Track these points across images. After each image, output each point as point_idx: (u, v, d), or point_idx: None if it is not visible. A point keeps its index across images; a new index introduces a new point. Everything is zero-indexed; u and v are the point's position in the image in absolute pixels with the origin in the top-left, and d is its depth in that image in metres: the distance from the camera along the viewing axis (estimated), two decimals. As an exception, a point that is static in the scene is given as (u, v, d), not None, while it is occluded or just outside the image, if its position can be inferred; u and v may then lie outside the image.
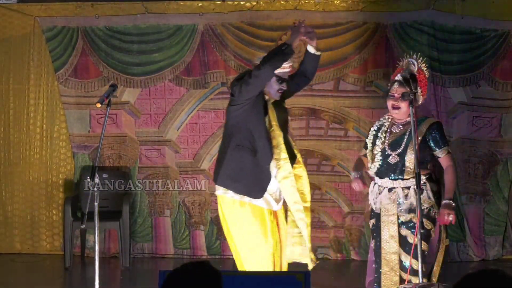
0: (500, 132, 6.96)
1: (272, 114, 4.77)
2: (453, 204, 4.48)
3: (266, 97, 4.81)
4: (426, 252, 4.53)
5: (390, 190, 4.55)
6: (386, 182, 4.57)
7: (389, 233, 4.53)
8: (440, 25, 6.91)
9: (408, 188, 4.52)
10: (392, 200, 4.54)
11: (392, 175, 4.54)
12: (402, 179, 4.51)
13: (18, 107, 7.30)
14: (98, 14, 7.12)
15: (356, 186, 4.65)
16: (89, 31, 7.13)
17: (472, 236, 6.96)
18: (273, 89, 4.78)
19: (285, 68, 4.80)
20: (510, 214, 6.98)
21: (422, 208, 4.42)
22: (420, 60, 4.71)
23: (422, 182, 4.50)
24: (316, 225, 7.15)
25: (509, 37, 6.87)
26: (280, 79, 4.78)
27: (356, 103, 7.03)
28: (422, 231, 4.27)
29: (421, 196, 4.45)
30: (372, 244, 4.75)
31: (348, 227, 7.08)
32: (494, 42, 6.88)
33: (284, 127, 4.82)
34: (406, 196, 4.51)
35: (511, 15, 6.88)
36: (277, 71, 4.71)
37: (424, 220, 4.44)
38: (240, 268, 4.72)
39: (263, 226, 4.69)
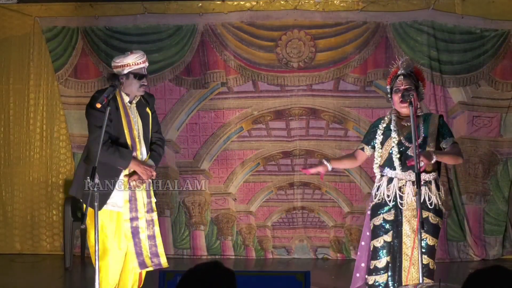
0: (500, 132, 6.96)
1: (132, 121, 4.84)
2: (434, 157, 4.39)
3: (127, 99, 4.85)
4: (436, 247, 4.55)
5: (414, 183, 4.53)
6: (409, 175, 4.55)
7: (411, 228, 4.53)
8: (440, 25, 6.91)
9: (430, 182, 4.53)
10: (415, 194, 4.52)
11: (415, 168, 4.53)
12: (426, 172, 4.51)
13: (18, 107, 7.30)
14: (98, 14, 7.12)
15: (313, 171, 4.69)
16: (89, 31, 7.13)
17: (472, 236, 6.96)
18: (133, 87, 4.82)
19: (140, 64, 4.82)
20: (510, 214, 6.99)
21: (434, 203, 4.51)
22: (413, 59, 4.77)
23: (435, 177, 4.57)
24: (316, 225, 7.16)
25: (509, 37, 6.88)
26: (138, 75, 4.81)
27: (356, 103, 7.04)
28: (423, 230, 4.28)
29: (439, 192, 4.55)
30: (365, 242, 4.71)
31: (348, 227, 7.08)
32: (494, 42, 6.89)
33: (146, 131, 4.90)
34: (430, 190, 4.52)
35: (511, 15, 6.88)
36: (133, 68, 4.78)
37: (435, 216, 4.53)
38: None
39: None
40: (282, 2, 7.05)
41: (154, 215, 4.94)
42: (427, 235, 4.50)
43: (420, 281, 4.27)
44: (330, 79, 7.05)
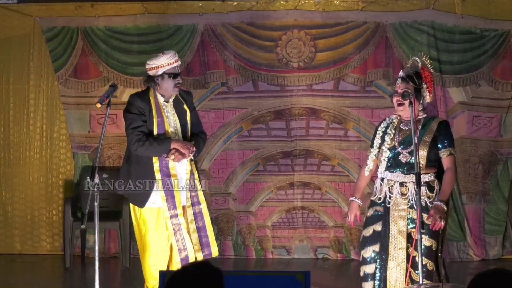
0: (500, 131, 6.96)
1: (167, 120, 5.00)
2: (445, 208, 4.51)
3: (162, 99, 5.00)
4: (433, 248, 4.55)
5: (402, 184, 4.55)
6: (398, 176, 4.57)
7: (397, 228, 4.54)
8: (440, 25, 6.91)
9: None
10: (403, 195, 4.53)
11: (404, 170, 4.54)
12: (414, 173, 4.52)
13: (18, 107, 7.30)
14: (98, 14, 7.12)
15: (351, 218, 4.73)
16: (89, 31, 7.13)
17: (472, 236, 6.96)
18: (169, 86, 4.98)
19: (173, 63, 4.97)
20: (510, 213, 6.98)
21: (428, 204, 4.52)
22: (424, 58, 4.74)
23: (431, 180, 4.57)
24: (316, 225, 7.16)
25: (509, 37, 6.87)
26: (172, 75, 4.96)
27: (356, 103, 7.03)
28: (422, 230, 4.29)
29: (431, 194, 4.55)
30: (365, 232, 4.69)
31: (348, 227, 7.07)
32: (494, 42, 6.89)
33: (185, 128, 5.06)
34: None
35: (511, 15, 6.88)
36: (166, 68, 4.94)
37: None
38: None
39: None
40: (282, 2, 7.05)
41: (203, 207, 5.10)
42: (423, 236, 4.49)
43: (420, 282, 4.28)
44: (330, 79, 7.05)
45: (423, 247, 4.43)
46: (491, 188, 6.99)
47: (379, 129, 4.73)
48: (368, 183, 4.98)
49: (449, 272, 6.50)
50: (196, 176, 5.13)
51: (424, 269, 4.43)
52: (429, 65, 4.73)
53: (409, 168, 4.53)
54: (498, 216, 6.99)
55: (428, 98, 4.65)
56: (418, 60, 4.70)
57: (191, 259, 4.99)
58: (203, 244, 5.08)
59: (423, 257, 4.40)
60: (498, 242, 6.99)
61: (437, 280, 4.60)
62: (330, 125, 7.09)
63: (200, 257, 5.07)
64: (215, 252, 5.12)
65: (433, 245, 4.55)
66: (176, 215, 4.97)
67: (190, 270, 2.57)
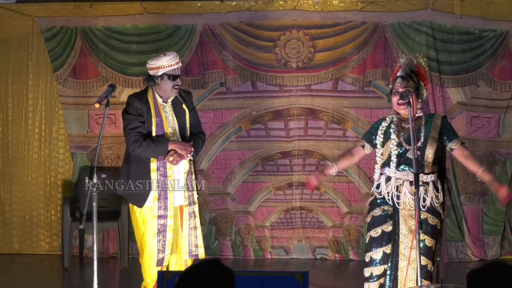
0: (499, 132, 6.96)
1: (166, 120, 5.04)
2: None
3: (160, 99, 5.02)
4: (433, 248, 4.56)
5: (411, 183, 4.54)
6: (407, 174, 4.56)
7: (407, 227, 4.54)
8: (439, 25, 6.92)
9: (428, 184, 4.54)
10: (413, 194, 4.52)
11: (412, 169, 4.51)
12: (423, 173, 4.52)
13: (17, 107, 7.30)
14: (97, 14, 7.12)
15: (313, 180, 4.79)
16: (87, 31, 7.13)
17: (471, 236, 6.96)
18: (168, 88, 5.01)
19: (173, 65, 5.00)
20: (509, 214, 6.99)
21: (430, 205, 4.54)
22: (417, 56, 4.77)
23: (435, 179, 4.58)
24: (314, 225, 7.16)
25: (508, 37, 6.88)
26: (172, 76, 4.99)
27: (355, 103, 7.04)
28: (421, 230, 4.29)
29: (438, 194, 4.57)
30: (373, 233, 4.69)
31: (347, 227, 7.08)
32: (492, 42, 6.89)
33: (183, 128, 5.08)
34: (426, 191, 4.53)
35: (509, 15, 6.89)
36: (167, 69, 4.97)
37: (433, 217, 4.55)
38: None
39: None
40: (281, 2, 7.05)
41: (196, 207, 5.13)
42: (425, 236, 4.50)
43: (418, 282, 4.27)
44: (328, 79, 7.05)
45: (423, 246, 4.44)
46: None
47: (380, 128, 4.71)
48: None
49: (448, 272, 6.53)
50: (194, 176, 5.15)
51: (424, 270, 4.43)
52: (423, 63, 4.77)
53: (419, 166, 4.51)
54: (496, 217, 6.99)
55: (425, 95, 4.70)
56: (413, 59, 4.72)
57: (165, 262, 5.01)
58: (192, 245, 5.10)
59: (424, 257, 4.41)
60: (497, 242, 7.00)
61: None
62: (328, 125, 7.09)
63: (187, 257, 5.08)
64: (201, 253, 5.14)
65: (433, 246, 4.55)
66: (165, 216, 4.98)
67: (202, 269, 2.55)
